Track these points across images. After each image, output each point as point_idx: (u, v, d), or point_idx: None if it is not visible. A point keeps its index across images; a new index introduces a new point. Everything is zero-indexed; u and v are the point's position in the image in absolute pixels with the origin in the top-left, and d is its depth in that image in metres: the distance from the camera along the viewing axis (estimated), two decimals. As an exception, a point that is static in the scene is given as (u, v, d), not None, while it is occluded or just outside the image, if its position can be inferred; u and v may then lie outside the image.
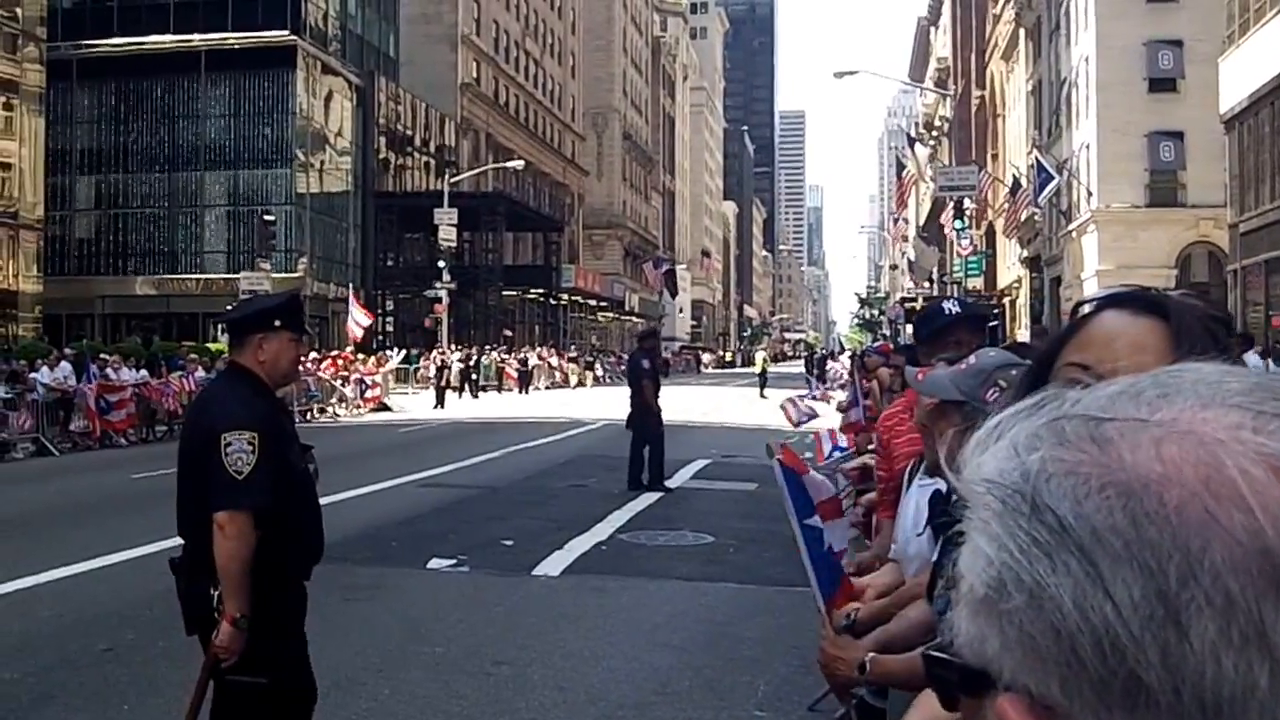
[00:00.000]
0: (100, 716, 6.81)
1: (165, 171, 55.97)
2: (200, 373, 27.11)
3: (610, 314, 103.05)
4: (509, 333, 66.13)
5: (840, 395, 19.39)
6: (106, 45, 54.78)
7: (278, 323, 4.35)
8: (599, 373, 66.00)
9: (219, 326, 47.59)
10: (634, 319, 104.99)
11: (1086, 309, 1.84)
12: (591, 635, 8.90)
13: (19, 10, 42.70)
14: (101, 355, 28.02)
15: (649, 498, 16.20)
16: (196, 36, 54.42)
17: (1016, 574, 0.64)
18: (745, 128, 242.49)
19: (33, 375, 25.08)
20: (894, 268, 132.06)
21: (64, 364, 26.57)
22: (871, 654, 3.00)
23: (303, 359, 4.51)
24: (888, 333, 68.23)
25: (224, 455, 4.06)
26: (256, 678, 4.08)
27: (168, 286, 53.69)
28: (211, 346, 34.39)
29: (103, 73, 55.23)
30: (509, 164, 66.48)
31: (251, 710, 4.19)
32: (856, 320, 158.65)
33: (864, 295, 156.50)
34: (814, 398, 22.77)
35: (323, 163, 58.05)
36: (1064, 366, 1.71)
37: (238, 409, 4.20)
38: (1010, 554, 0.65)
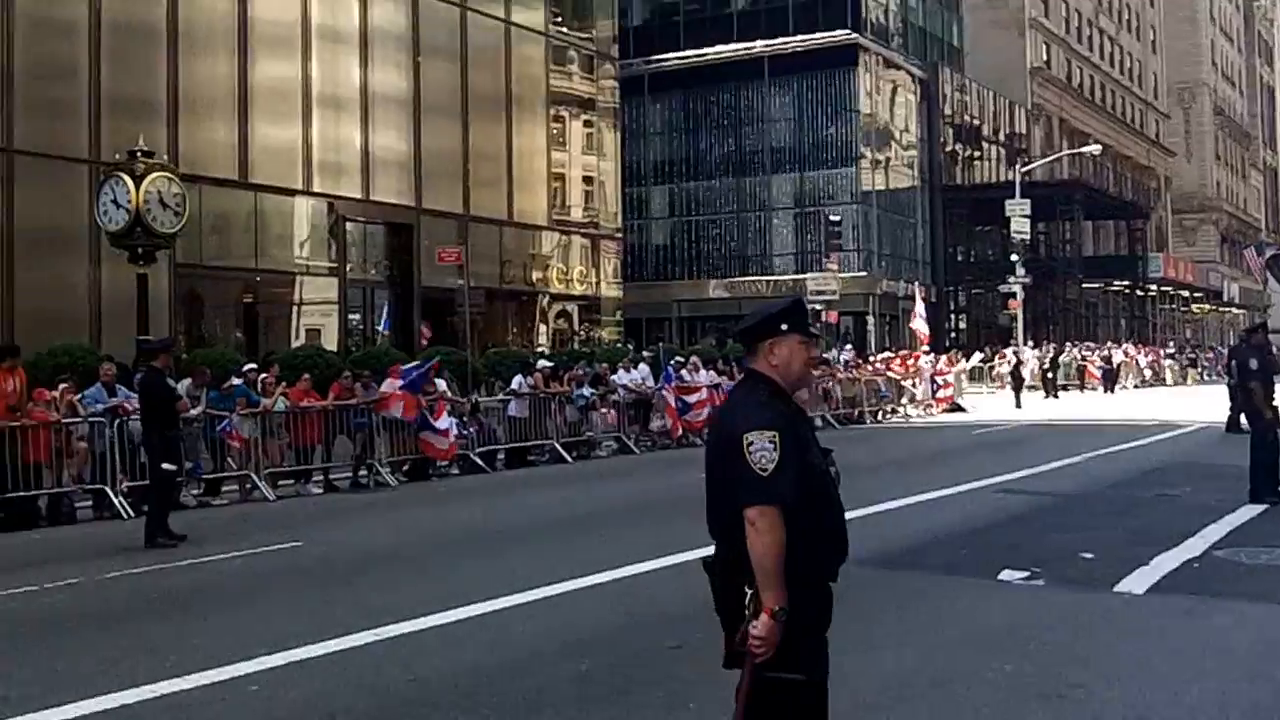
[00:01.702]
0: (668, 712, 6.81)
1: (734, 177, 57.64)
2: (769, 373, 27.27)
3: (1206, 305, 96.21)
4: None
5: None
6: (674, 58, 57.31)
7: (785, 326, 4.46)
8: (1197, 370, 61.41)
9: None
10: (1234, 310, 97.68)
11: None
12: (1178, 660, 8.02)
13: (594, 32, 45.23)
14: (677, 358, 28.79)
15: (1251, 510, 14.41)
16: (759, 43, 55.76)
17: None
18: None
19: (613, 377, 26.15)
20: None
21: (642, 366, 27.56)
22: None
23: (812, 360, 4.26)
24: None
25: (748, 454, 4.18)
26: (793, 674, 4.19)
27: (739, 289, 55.08)
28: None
29: (671, 85, 57.74)
30: (1085, 149, 64.10)
31: (786, 706, 4.26)
32: None
33: None
34: None
35: (888, 159, 57.90)
36: None
37: (757, 411, 4.31)
38: None
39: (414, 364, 21.74)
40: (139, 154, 20.95)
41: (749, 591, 4.18)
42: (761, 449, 4.16)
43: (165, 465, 14.07)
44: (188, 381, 18.34)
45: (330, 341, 32.27)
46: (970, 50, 67.48)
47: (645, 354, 30.93)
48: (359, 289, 35.37)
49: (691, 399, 26.21)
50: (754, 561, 4.14)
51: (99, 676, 7.72)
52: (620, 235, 46.72)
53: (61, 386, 17.03)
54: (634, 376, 26.60)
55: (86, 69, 27.83)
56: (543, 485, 19.84)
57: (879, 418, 33.48)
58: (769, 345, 4.44)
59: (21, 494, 15.75)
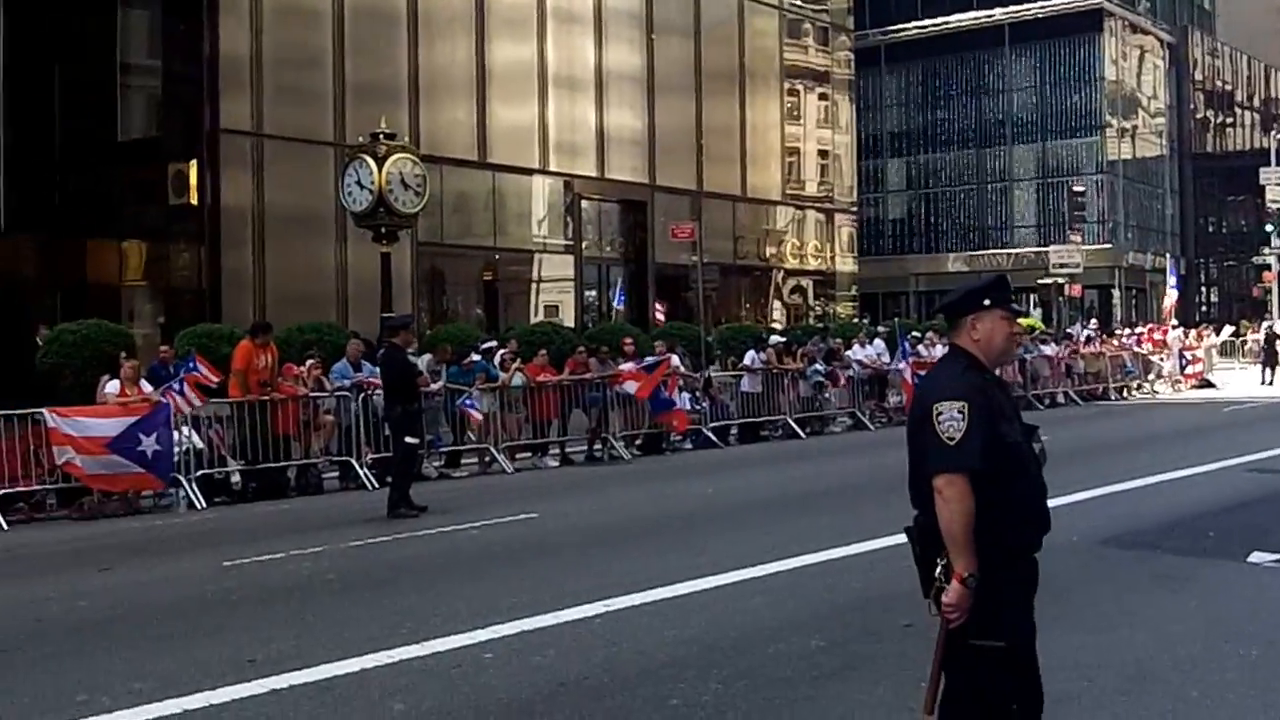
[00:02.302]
0: (897, 690, 6.70)
1: (973, 148, 56.69)
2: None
3: None
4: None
5: None
6: (911, 28, 56.64)
7: (987, 302, 4.52)
8: None
9: (1032, 302, 47.37)
10: None
11: None
12: None
13: (829, 4, 44.75)
14: (913, 333, 28.26)
15: None
16: (999, 11, 54.91)
17: None
18: None
19: (848, 353, 25.86)
20: None
21: (877, 341, 27.17)
22: None
23: (1014, 336, 4.70)
24: None
25: (936, 424, 4.30)
26: (994, 641, 4.27)
27: (978, 262, 53.96)
28: (1023, 321, 33.74)
29: (908, 56, 57.15)
30: (1349, 112, 60.73)
31: (991, 672, 4.32)
32: None
33: None
34: None
35: (1135, 127, 56.26)
36: None
37: (950, 382, 4.43)
38: None
39: (650, 359, 21.75)
40: (381, 136, 21.46)
41: (940, 563, 4.30)
42: (950, 419, 4.27)
43: (408, 439, 14.46)
44: (429, 357, 18.82)
45: (568, 318, 32.74)
46: (1222, 12, 65.18)
47: (880, 329, 30.44)
48: (594, 266, 35.78)
49: (930, 375, 25.67)
50: (942, 529, 4.27)
51: (338, 642, 7.96)
52: (855, 209, 46.30)
53: (309, 362, 17.66)
54: (869, 352, 26.27)
55: (331, 55, 28.77)
56: (775, 461, 19.76)
57: (1124, 394, 32.36)
58: (971, 321, 4.52)
59: (272, 465, 16.44)
